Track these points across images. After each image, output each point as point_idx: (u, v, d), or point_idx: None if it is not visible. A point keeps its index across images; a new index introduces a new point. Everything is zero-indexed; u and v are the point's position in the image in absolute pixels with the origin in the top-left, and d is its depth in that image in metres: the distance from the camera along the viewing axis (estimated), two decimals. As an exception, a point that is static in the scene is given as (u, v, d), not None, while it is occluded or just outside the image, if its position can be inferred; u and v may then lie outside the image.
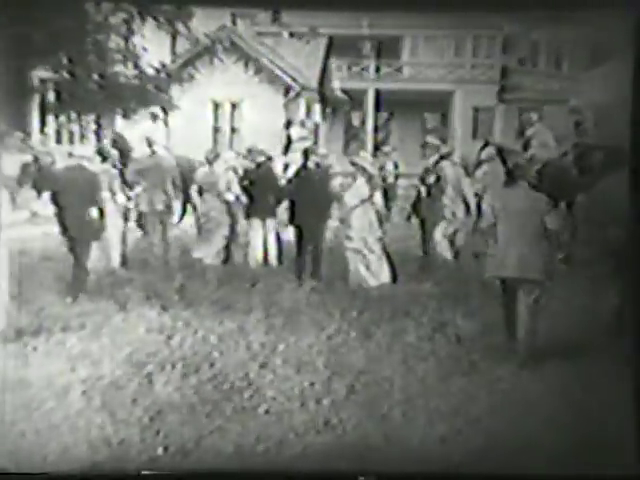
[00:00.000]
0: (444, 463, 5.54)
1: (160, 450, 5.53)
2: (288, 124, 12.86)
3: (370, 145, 14.62)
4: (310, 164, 9.56)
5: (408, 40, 15.10)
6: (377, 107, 14.94)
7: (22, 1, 7.98)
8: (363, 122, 15.03)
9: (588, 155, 9.72)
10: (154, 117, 11.38)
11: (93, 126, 11.31)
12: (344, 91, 14.75)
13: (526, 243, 6.80)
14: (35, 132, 11.45)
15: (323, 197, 9.42)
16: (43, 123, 11.06)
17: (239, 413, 6.00)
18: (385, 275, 9.16)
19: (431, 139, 10.73)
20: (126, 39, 10.43)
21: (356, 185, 9.23)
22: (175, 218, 10.30)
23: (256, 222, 9.80)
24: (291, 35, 14.15)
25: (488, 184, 9.79)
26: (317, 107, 14.29)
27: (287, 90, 13.55)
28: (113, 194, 9.46)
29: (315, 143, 13.28)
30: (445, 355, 7.06)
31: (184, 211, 10.46)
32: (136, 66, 10.63)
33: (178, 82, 11.57)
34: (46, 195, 8.48)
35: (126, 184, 9.67)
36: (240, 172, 10.01)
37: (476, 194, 9.84)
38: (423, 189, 9.57)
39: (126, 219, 9.73)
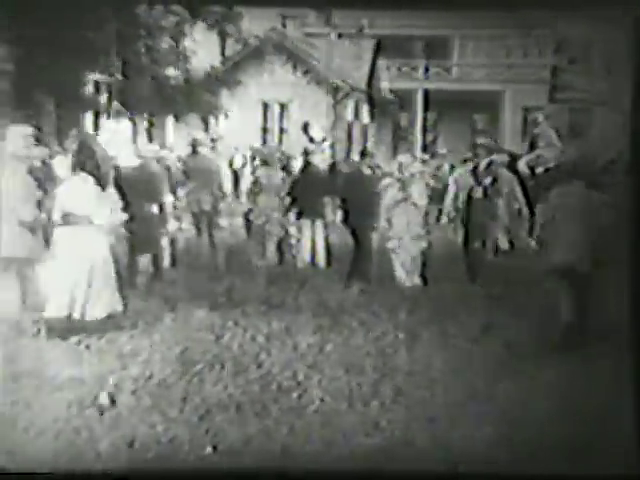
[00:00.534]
0: (490, 465, 5.49)
1: (209, 449, 5.57)
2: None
3: (419, 146, 14.56)
4: (361, 165, 9.60)
5: (457, 40, 14.99)
6: (425, 108, 14.86)
7: (78, 6, 8.15)
8: (411, 123, 14.98)
9: None
10: (204, 119, 11.51)
11: (145, 127, 11.48)
12: (392, 92, 14.71)
13: (580, 238, 6.88)
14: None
15: (371, 198, 9.43)
16: (96, 125, 11.25)
17: (287, 413, 6.01)
18: (417, 276, 9.17)
19: (483, 140, 10.66)
20: (177, 42, 10.57)
21: (396, 185, 9.28)
22: (223, 219, 10.40)
23: (305, 223, 9.85)
24: (340, 36, 14.16)
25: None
26: (365, 108, 14.27)
27: (335, 91, 13.57)
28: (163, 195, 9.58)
29: (365, 143, 13.28)
30: (492, 357, 6.99)
31: (231, 212, 10.55)
32: (186, 69, 10.78)
33: (227, 84, 11.68)
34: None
35: (176, 185, 9.79)
36: (291, 172, 10.07)
37: (526, 194, 9.76)
38: (479, 190, 9.49)
39: (178, 219, 9.84)
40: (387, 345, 7.29)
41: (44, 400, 5.98)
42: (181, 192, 9.83)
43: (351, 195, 9.46)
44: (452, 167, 11.49)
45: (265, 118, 13.51)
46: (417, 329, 7.63)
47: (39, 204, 7.69)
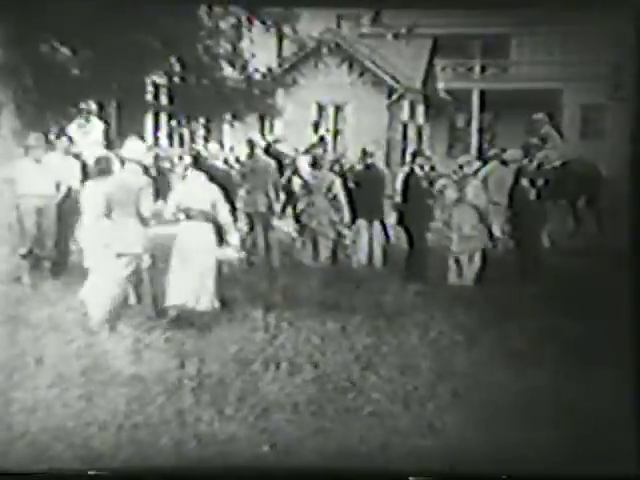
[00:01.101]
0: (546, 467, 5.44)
1: (266, 447, 5.62)
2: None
3: (475, 147, 14.42)
4: (415, 167, 9.59)
5: (514, 38, 14.80)
6: (482, 108, 14.71)
7: (137, 7, 8.31)
8: (467, 123, 14.84)
9: None
10: (261, 120, 11.58)
11: (202, 130, 11.61)
12: (448, 92, 14.59)
13: None
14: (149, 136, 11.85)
15: (426, 198, 9.43)
16: (156, 127, 11.41)
17: (342, 414, 6.03)
18: (469, 277, 9.11)
19: (540, 115, 10.61)
20: (234, 44, 10.65)
21: (453, 186, 9.27)
22: (277, 220, 10.45)
23: (362, 223, 9.87)
24: (395, 36, 14.10)
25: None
26: (421, 108, 14.19)
27: (390, 92, 13.52)
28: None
29: (419, 145, 13.22)
30: (552, 360, 6.90)
31: (285, 212, 10.59)
32: (244, 70, 10.85)
33: (283, 86, 11.74)
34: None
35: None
36: (347, 174, 10.09)
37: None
38: (533, 192, 9.40)
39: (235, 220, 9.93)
40: (443, 347, 7.25)
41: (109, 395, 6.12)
42: (241, 193, 9.93)
43: (406, 196, 9.47)
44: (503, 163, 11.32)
45: (320, 119, 13.53)
46: (474, 330, 7.58)
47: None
